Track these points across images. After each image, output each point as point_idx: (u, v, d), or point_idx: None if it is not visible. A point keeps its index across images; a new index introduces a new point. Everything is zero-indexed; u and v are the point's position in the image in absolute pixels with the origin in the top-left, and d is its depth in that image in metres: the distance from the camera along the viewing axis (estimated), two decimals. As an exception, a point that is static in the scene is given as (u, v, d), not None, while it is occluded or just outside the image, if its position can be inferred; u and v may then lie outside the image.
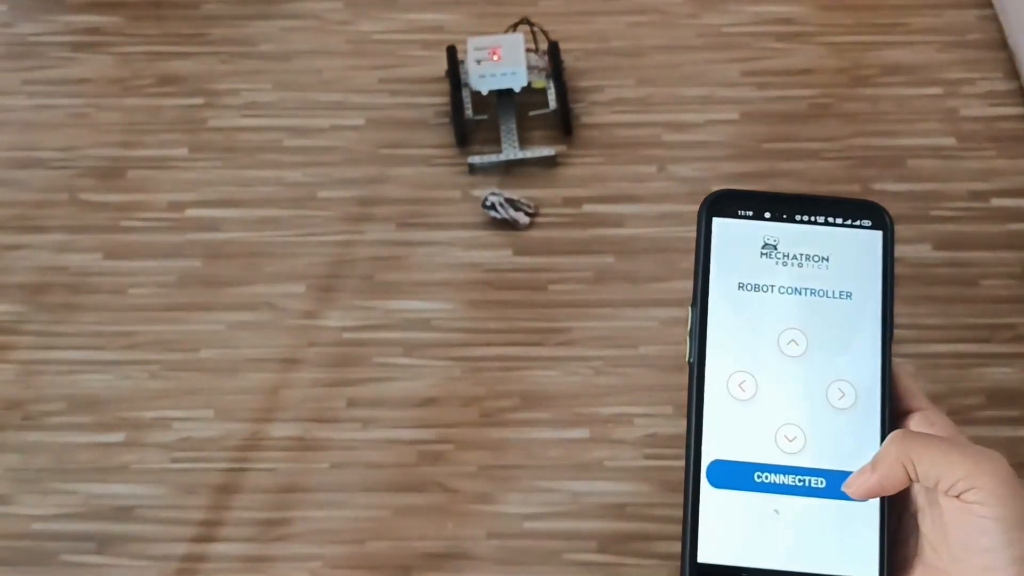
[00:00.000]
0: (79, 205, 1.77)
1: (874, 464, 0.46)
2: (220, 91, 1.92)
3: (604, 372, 1.57)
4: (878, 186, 1.75)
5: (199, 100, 1.91)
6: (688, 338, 0.49)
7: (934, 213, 1.72)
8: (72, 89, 1.93)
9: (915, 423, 0.47)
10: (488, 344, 1.60)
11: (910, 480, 0.45)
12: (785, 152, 1.81)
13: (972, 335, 1.59)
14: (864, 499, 0.46)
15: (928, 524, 0.46)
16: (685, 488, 0.47)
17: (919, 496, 0.46)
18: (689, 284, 1.77)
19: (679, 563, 0.46)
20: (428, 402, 1.55)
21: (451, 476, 1.48)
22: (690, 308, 0.49)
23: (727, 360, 0.48)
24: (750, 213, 0.49)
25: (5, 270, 1.70)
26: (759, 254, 0.49)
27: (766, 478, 0.47)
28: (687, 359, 0.49)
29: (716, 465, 0.47)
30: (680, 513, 0.47)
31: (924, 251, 1.66)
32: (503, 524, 1.44)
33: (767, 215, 0.49)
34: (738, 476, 0.47)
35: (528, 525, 1.44)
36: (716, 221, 0.49)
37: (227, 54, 1.98)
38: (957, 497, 0.44)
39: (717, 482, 0.47)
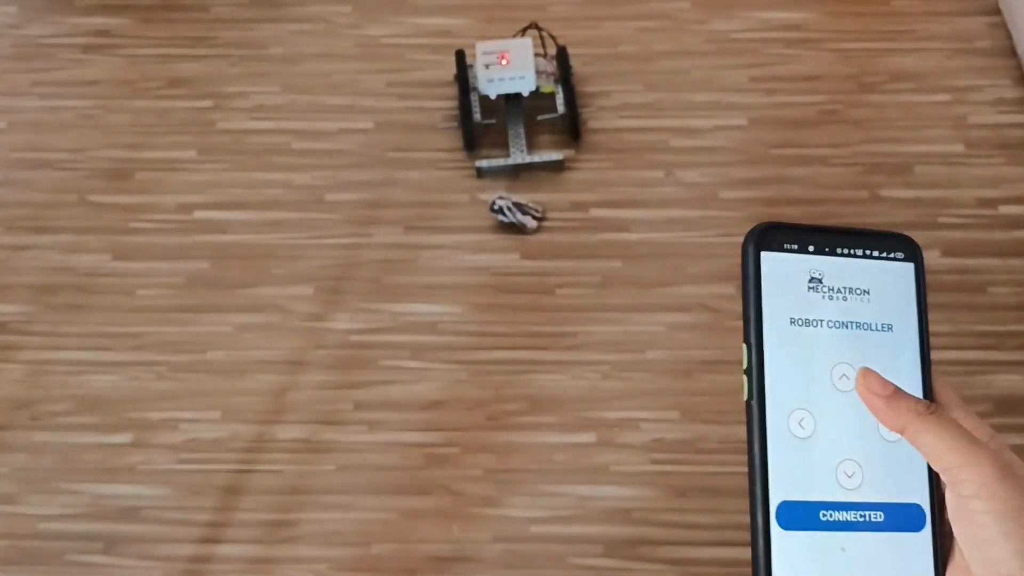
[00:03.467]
0: (88, 206, 1.78)
1: (890, 398, 0.47)
2: (229, 94, 1.92)
3: (611, 376, 1.57)
4: (886, 192, 1.75)
5: (208, 102, 1.91)
6: (745, 377, 0.48)
7: (942, 220, 1.72)
8: (81, 91, 1.94)
9: None
10: (495, 348, 1.61)
11: (903, 434, 0.47)
12: (793, 158, 1.81)
13: (979, 342, 1.59)
14: (860, 395, 0.47)
15: (957, 525, 0.47)
16: (753, 531, 0.46)
17: (951, 502, 0.47)
18: (696, 290, 1.77)
19: None
20: (435, 405, 1.55)
21: (457, 479, 1.48)
22: (744, 346, 0.48)
23: (786, 398, 0.48)
24: (795, 247, 0.49)
25: (14, 270, 1.71)
26: (807, 288, 0.49)
27: (831, 516, 0.47)
28: (745, 399, 0.48)
29: (784, 506, 0.47)
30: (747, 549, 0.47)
31: (932, 258, 1.65)
32: (509, 528, 1.44)
33: (811, 248, 0.49)
34: (805, 516, 0.47)
35: (534, 529, 1.44)
36: (764, 255, 0.49)
37: (236, 57, 1.98)
38: (954, 491, 0.45)
39: (786, 524, 0.47)
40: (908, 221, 1.71)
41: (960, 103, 1.87)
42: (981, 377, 1.55)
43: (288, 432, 1.53)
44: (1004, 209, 1.73)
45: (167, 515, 1.46)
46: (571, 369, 1.58)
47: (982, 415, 1.65)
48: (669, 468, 1.48)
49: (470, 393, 1.56)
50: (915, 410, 0.46)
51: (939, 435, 0.45)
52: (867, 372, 0.47)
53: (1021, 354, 1.58)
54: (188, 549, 1.43)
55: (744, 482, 0.48)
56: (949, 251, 1.68)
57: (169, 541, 1.44)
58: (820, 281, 0.49)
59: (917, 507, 0.48)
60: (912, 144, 1.82)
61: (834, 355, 0.48)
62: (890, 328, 0.49)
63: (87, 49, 2.00)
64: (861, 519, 0.47)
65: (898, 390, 0.47)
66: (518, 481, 1.48)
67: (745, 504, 0.48)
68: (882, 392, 0.47)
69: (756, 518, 0.46)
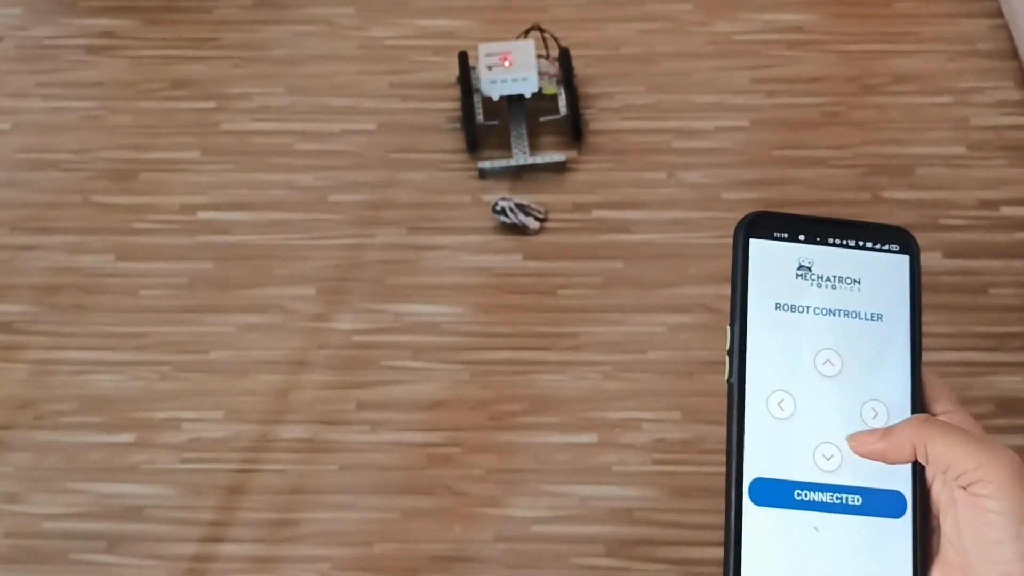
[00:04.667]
0: (92, 207, 1.78)
1: (885, 433, 0.47)
2: (232, 95, 1.93)
3: (613, 377, 1.57)
4: (887, 194, 1.76)
5: (211, 104, 1.92)
6: (728, 357, 0.49)
7: (943, 221, 1.72)
8: (85, 92, 1.94)
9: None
10: (497, 348, 1.61)
11: (915, 459, 0.47)
12: (794, 159, 1.81)
13: (981, 343, 1.59)
14: (861, 456, 0.48)
15: (949, 522, 0.47)
16: (727, 505, 0.48)
17: (941, 495, 0.48)
18: (698, 290, 1.78)
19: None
20: (437, 405, 1.56)
21: (459, 479, 1.49)
22: (728, 328, 0.50)
23: (766, 379, 0.49)
24: (785, 235, 0.50)
25: (18, 271, 1.71)
26: (795, 275, 0.50)
27: (806, 496, 0.48)
28: (727, 379, 0.49)
29: (758, 483, 0.48)
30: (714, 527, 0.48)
31: (933, 259, 1.66)
32: (511, 528, 1.45)
33: (801, 237, 0.51)
34: (779, 494, 0.48)
35: (536, 529, 1.44)
36: (753, 243, 0.50)
37: (240, 58, 1.99)
38: (966, 489, 0.45)
39: (759, 500, 0.48)
40: (910, 223, 1.71)
41: (962, 105, 1.87)
42: (983, 378, 1.55)
43: (291, 432, 1.53)
44: (1006, 211, 1.74)
45: (170, 514, 1.47)
46: (573, 369, 1.58)
47: (983, 416, 1.65)
48: (671, 468, 1.49)
49: (472, 393, 1.56)
50: (913, 425, 0.47)
51: (947, 443, 0.46)
52: (852, 435, 0.48)
53: (1023, 355, 1.58)
54: (191, 548, 1.44)
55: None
56: (951, 252, 1.68)
57: (172, 540, 1.45)
58: (809, 269, 0.50)
59: (898, 494, 0.48)
60: (914, 146, 1.82)
61: (819, 341, 0.49)
62: (880, 318, 0.50)
63: (91, 51, 2.01)
64: (837, 501, 0.48)
65: (887, 427, 0.48)
66: (520, 481, 1.48)
67: None
68: (874, 435, 0.48)
69: (730, 493, 0.48)
